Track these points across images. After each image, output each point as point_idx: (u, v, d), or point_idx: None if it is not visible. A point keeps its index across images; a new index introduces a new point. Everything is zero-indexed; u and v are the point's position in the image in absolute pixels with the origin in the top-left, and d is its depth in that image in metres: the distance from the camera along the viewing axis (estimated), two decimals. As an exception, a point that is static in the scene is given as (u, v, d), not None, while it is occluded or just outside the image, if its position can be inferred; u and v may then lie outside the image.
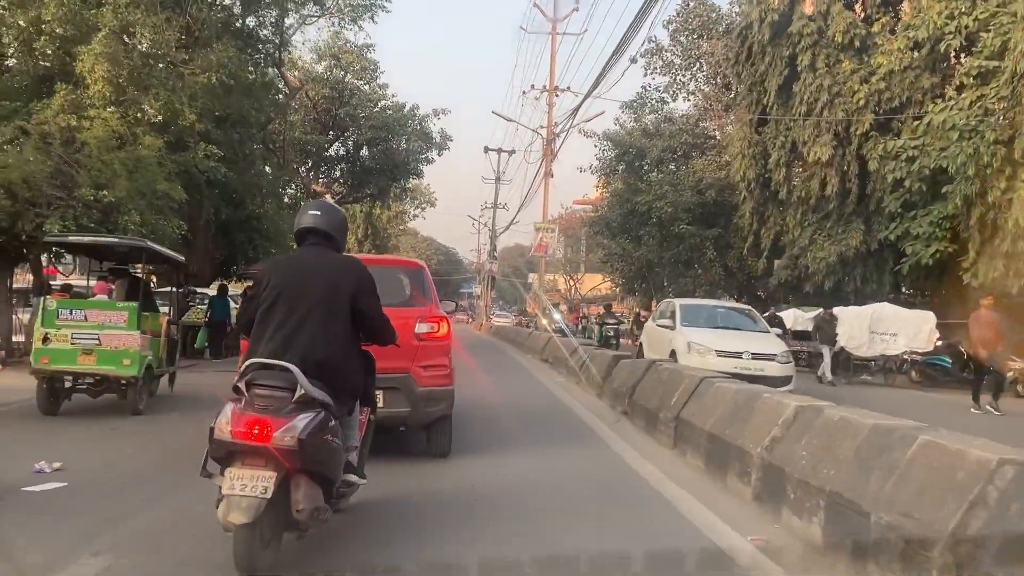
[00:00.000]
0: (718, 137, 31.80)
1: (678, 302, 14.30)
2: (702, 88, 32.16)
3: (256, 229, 21.38)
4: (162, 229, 13.83)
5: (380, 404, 5.15)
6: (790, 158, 23.04)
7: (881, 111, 20.42)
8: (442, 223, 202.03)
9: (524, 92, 40.41)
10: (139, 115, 14.34)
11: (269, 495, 3.26)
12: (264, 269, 4.07)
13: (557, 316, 26.50)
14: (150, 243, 8.85)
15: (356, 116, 33.20)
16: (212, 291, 18.04)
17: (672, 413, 6.85)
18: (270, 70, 23.33)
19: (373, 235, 55.82)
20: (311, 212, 4.03)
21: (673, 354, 11.85)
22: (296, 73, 32.02)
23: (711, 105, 31.46)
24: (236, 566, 3.32)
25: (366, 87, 34.41)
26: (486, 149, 45.97)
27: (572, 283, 64.82)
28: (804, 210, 22.79)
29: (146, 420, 8.13)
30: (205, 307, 16.77)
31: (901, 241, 19.65)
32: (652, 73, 32.63)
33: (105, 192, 12.65)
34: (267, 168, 25.22)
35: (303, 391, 3.44)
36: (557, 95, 29.04)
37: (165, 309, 10.07)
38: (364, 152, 34.94)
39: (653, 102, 33.29)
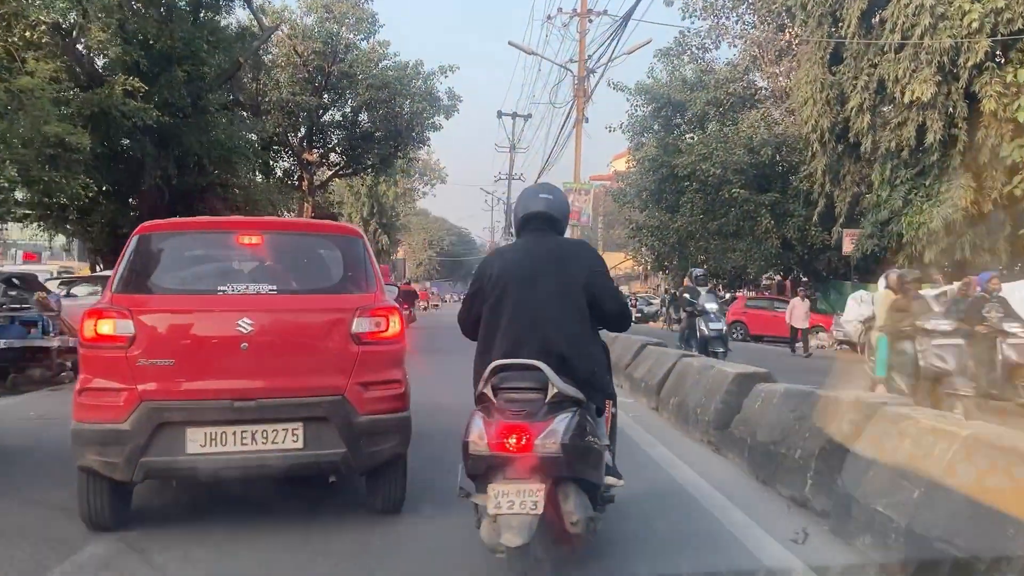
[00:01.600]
0: (769, 89, 27.50)
1: None
2: (750, 32, 27.79)
3: (223, 199, 17.53)
4: (60, 188, 9.99)
5: (298, 444, 3.86)
6: (875, 101, 18.84)
7: (1000, 36, 16.21)
8: (453, 200, 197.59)
9: (549, 17, 35.61)
10: (28, 34, 10.45)
11: (540, 510, 2.89)
12: (485, 261, 3.65)
13: (713, 305, 12.90)
14: None
15: (353, 75, 29.15)
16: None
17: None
18: (239, 10, 19.39)
19: (379, 213, 51.71)
20: (542, 196, 3.61)
21: None
22: (285, 28, 28.13)
23: (761, 52, 27.10)
24: None
25: (364, 43, 30.36)
26: (500, 114, 41.72)
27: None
28: (894, 165, 18.62)
29: None
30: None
31: (1028, 198, 15.71)
32: (691, 16, 28.31)
33: (-40, 135, 8.82)
34: (253, 136, 21.30)
35: (556, 390, 3.04)
36: (591, 20, 24.12)
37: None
38: (363, 116, 30.95)
39: (693, 49, 28.94)
